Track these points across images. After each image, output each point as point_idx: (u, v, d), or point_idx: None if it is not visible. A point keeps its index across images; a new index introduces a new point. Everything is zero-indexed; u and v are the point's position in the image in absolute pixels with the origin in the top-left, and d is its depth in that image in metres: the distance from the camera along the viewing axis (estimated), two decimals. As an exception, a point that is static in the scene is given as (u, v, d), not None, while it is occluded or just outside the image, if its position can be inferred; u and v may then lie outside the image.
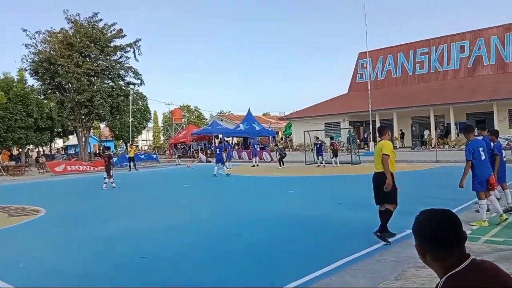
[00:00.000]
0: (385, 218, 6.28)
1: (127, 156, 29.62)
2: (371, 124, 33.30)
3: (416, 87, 37.29)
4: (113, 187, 16.26)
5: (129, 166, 27.78)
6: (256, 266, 5.60)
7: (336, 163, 22.07)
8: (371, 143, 33.25)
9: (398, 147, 34.64)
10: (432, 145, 30.79)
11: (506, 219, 7.06)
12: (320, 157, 22.80)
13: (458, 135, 32.86)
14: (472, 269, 1.56)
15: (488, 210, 7.49)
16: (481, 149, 6.97)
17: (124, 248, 6.89)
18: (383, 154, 6.32)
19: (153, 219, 9.56)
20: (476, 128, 7.92)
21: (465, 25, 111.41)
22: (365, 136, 36.89)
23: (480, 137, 7.76)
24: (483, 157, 6.95)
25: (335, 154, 22.37)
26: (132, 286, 5.01)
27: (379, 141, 6.72)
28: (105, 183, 16.25)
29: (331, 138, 23.37)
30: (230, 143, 42.26)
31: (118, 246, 7.07)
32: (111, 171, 16.43)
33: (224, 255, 6.20)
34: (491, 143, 7.75)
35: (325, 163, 22.63)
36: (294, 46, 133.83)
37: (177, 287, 4.96)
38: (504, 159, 8.14)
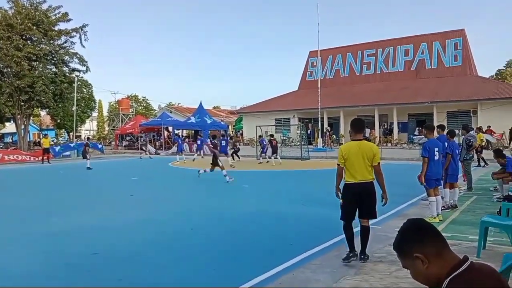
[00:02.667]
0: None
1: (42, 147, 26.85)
2: (320, 121, 34.08)
3: (363, 87, 38.66)
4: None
5: (42, 158, 25.33)
6: (215, 263, 5.50)
7: (268, 160, 21.09)
8: (319, 140, 34.07)
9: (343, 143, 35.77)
10: (376, 143, 32.05)
11: (441, 220, 7.42)
12: (263, 153, 22.64)
13: (399, 134, 34.51)
14: (473, 270, 1.60)
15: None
16: (436, 149, 7.35)
17: (73, 246, 6.50)
18: (379, 162, 5.26)
19: (103, 213, 9.18)
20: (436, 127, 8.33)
21: (410, 30, 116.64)
22: (309, 133, 37.25)
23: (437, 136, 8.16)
24: (436, 157, 7.33)
25: (274, 151, 21.17)
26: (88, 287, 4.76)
27: (355, 140, 5.31)
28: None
29: (271, 135, 22.88)
30: (180, 135, 41.61)
31: (66, 244, 6.67)
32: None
33: (181, 253, 6.04)
34: (446, 143, 8.19)
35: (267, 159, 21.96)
36: (245, 41, 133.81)
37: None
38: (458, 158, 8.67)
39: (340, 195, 5.39)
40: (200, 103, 37.21)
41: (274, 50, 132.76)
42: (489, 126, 26.43)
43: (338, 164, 5.39)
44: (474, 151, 18.24)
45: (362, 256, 5.26)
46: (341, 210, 5.36)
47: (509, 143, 25.74)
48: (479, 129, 21.51)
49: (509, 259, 2.40)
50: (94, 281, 4.89)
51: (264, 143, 22.44)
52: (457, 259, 1.64)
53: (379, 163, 5.24)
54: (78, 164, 24.76)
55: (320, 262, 5.29)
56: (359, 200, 5.20)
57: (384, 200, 5.27)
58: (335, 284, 4.52)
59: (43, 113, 49.11)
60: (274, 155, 20.90)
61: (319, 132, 35.46)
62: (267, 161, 21.56)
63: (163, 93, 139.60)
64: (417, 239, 1.69)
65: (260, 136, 24.86)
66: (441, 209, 7.81)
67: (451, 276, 1.59)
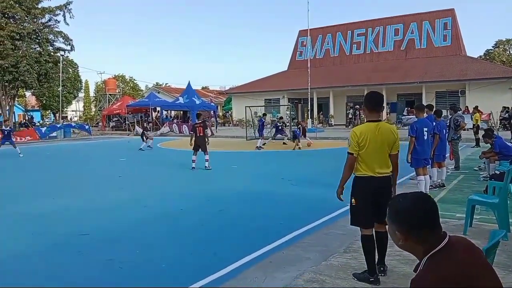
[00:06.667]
0: None
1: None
2: (309, 101, 34.00)
3: (352, 67, 38.57)
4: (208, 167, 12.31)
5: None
6: (205, 243, 5.52)
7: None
8: (309, 120, 34.07)
9: (333, 124, 35.89)
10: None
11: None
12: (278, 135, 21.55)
13: (389, 114, 34.65)
14: (451, 246, 1.64)
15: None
16: (425, 129, 7.40)
17: (62, 227, 6.46)
18: (398, 151, 4.07)
19: (92, 194, 9.11)
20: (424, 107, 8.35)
21: (400, 10, 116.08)
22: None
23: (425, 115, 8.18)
24: (425, 137, 7.38)
25: (303, 134, 19.82)
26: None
27: (372, 121, 3.99)
28: (206, 160, 12.38)
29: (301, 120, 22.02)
30: (168, 116, 41.29)
31: (55, 224, 6.61)
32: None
33: (170, 233, 6.04)
34: (433, 123, 8.24)
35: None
36: (235, 20, 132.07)
37: None
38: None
39: (341, 195, 4.14)
40: (189, 83, 36.78)
41: (264, 29, 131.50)
42: (477, 106, 26.62)
43: (351, 153, 3.95)
44: (473, 132, 18.50)
45: (382, 269, 4.09)
46: (351, 212, 4.09)
47: (497, 123, 26.02)
48: (476, 109, 21.63)
49: (495, 236, 2.44)
50: (83, 261, 4.87)
51: (260, 123, 21.04)
52: (437, 242, 1.65)
53: (398, 151, 4.06)
54: (65, 146, 24.53)
55: (310, 241, 5.33)
56: (376, 200, 3.88)
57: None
58: (325, 261, 4.55)
59: (28, 94, 48.25)
60: (302, 137, 19.67)
61: (309, 112, 35.42)
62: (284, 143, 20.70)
63: (151, 73, 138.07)
64: (405, 223, 1.68)
65: (264, 115, 23.46)
66: (429, 188, 7.90)
67: (428, 254, 1.63)
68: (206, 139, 12.52)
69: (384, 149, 3.94)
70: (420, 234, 1.65)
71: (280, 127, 21.03)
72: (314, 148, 18.86)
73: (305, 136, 19.91)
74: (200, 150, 12.32)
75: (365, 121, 4.15)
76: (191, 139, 12.55)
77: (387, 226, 1.79)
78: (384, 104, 33.86)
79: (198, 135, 12.34)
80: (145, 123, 27.35)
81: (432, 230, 1.66)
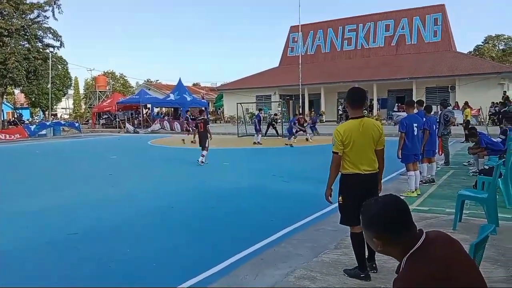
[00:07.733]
0: None
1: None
2: (301, 98, 34.02)
3: (344, 63, 38.60)
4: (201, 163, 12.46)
5: None
6: (196, 239, 5.51)
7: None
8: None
9: (324, 120, 35.97)
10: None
11: (419, 194, 7.52)
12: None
13: (379, 110, 34.79)
14: (429, 243, 1.65)
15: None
16: (415, 124, 7.44)
17: (53, 224, 6.41)
18: (384, 145, 4.05)
19: (82, 192, 9.03)
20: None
21: (391, 5, 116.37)
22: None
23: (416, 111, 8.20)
24: (415, 133, 7.42)
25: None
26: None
27: (355, 118, 3.93)
28: (202, 155, 12.48)
29: (299, 112, 22.56)
30: (159, 113, 41.09)
31: (45, 222, 6.57)
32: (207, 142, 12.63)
33: (161, 230, 6.03)
34: (423, 118, 8.28)
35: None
36: (225, 16, 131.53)
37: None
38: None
39: (330, 197, 4.10)
40: (180, 80, 36.61)
41: (255, 25, 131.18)
42: (467, 102, 26.83)
43: (336, 153, 3.90)
44: (463, 128, 18.61)
45: (374, 266, 4.11)
46: (340, 211, 4.09)
47: (485, 118, 26.26)
48: (466, 104, 21.77)
49: (485, 231, 2.45)
50: (76, 258, 4.83)
51: (257, 119, 20.46)
52: (414, 241, 1.66)
53: (384, 146, 4.03)
54: (55, 144, 24.31)
55: (301, 237, 5.34)
56: (363, 197, 3.68)
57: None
58: (316, 258, 4.56)
59: (17, 91, 47.67)
60: (300, 132, 19.95)
61: (300, 109, 35.43)
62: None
63: (141, 70, 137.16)
64: (380, 227, 1.70)
65: (260, 110, 23.38)
66: (419, 184, 7.95)
67: (407, 254, 1.64)
68: (209, 135, 12.71)
69: (369, 145, 3.90)
70: (396, 235, 1.66)
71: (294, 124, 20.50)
72: (305, 145, 18.89)
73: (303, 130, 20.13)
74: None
75: (349, 118, 4.06)
76: (194, 136, 12.84)
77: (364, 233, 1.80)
78: (375, 100, 34.29)
79: (199, 131, 12.85)
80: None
81: (407, 230, 1.67)
